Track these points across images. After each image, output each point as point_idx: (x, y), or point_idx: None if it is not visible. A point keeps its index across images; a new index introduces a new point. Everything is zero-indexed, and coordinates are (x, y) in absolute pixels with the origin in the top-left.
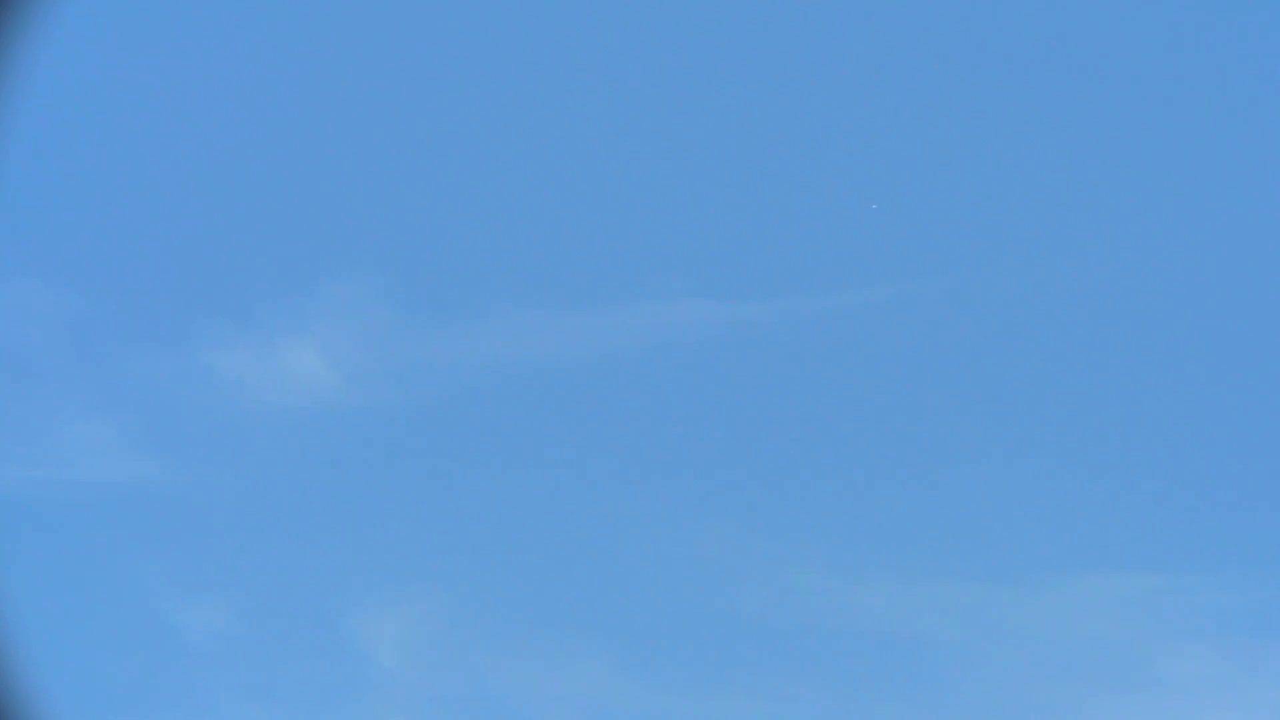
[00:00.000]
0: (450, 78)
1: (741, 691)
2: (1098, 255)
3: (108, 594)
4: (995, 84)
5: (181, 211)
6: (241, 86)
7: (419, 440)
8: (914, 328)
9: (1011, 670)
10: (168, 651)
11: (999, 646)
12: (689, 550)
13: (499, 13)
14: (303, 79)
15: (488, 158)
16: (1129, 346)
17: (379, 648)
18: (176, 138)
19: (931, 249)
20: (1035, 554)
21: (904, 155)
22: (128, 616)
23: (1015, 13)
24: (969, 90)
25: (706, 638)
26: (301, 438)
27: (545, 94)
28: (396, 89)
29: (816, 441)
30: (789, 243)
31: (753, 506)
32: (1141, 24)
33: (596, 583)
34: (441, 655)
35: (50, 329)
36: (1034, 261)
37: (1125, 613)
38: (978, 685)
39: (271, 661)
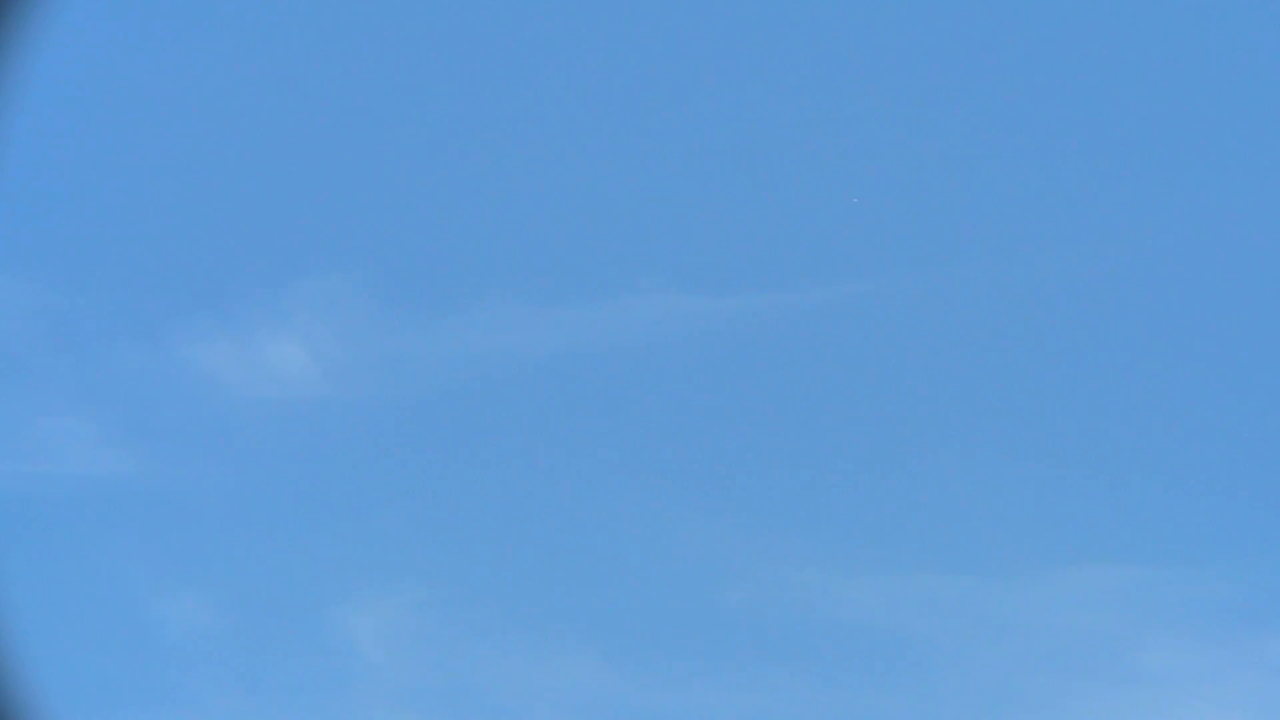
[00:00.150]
0: (430, 73)
1: (727, 685)
2: (1081, 249)
3: (87, 589)
4: (977, 75)
5: (160, 206)
6: (219, 82)
7: (400, 434)
8: (897, 322)
9: (996, 662)
10: (148, 646)
11: (984, 639)
12: (674, 544)
13: (475, 8)
14: (282, 74)
15: (467, 153)
16: (1113, 341)
17: (362, 642)
18: (154, 133)
19: (913, 243)
20: (1020, 547)
21: (884, 149)
22: (108, 611)
23: (996, 3)
24: (950, 83)
25: (691, 631)
26: (282, 432)
27: (524, 90)
28: (378, 84)
29: (800, 435)
30: (770, 237)
31: (737, 500)
32: (1132, 15)
33: (580, 577)
34: (425, 649)
35: (28, 324)
36: (1017, 256)
37: (1109, 605)
38: (963, 677)
39: (253, 656)
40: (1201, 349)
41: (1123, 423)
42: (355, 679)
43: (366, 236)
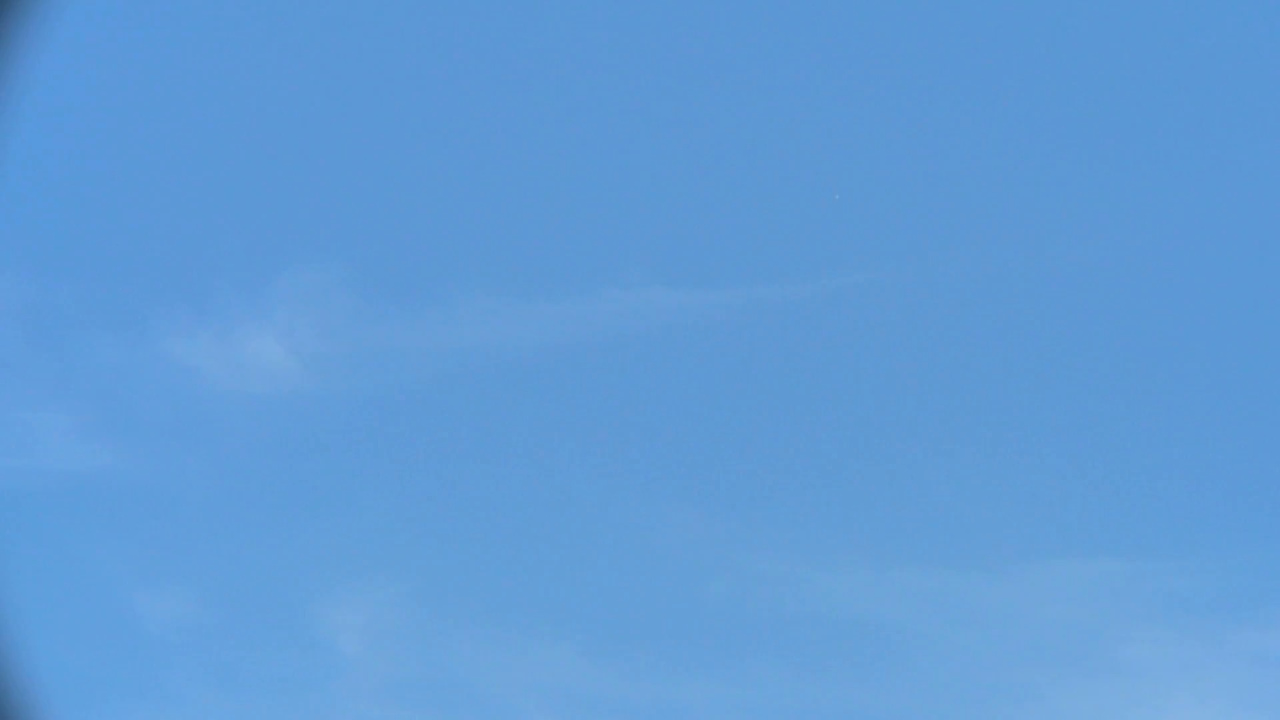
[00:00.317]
0: (410, 67)
1: (709, 677)
2: (1067, 243)
3: (67, 584)
4: (963, 65)
5: (140, 198)
6: (200, 75)
7: (381, 428)
8: (879, 316)
9: (976, 654)
10: (129, 641)
11: (964, 631)
12: (656, 537)
13: (454, 1)
14: (264, 68)
15: (448, 146)
16: (1092, 336)
17: (343, 636)
18: (134, 126)
19: (896, 237)
20: (1000, 540)
21: (870, 140)
22: (88, 606)
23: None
24: (936, 73)
25: (674, 624)
26: (262, 426)
27: (506, 83)
28: (359, 78)
29: (782, 429)
30: (753, 230)
31: (719, 493)
32: (1121, 3)
33: (562, 570)
34: (406, 643)
35: (6, 317)
36: (999, 250)
37: (1088, 597)
38: (943, 669)
39: (235, 650)
40: (1181, 344)
41: (1102, 417)
42: (337, 673)
43: (348, 230)
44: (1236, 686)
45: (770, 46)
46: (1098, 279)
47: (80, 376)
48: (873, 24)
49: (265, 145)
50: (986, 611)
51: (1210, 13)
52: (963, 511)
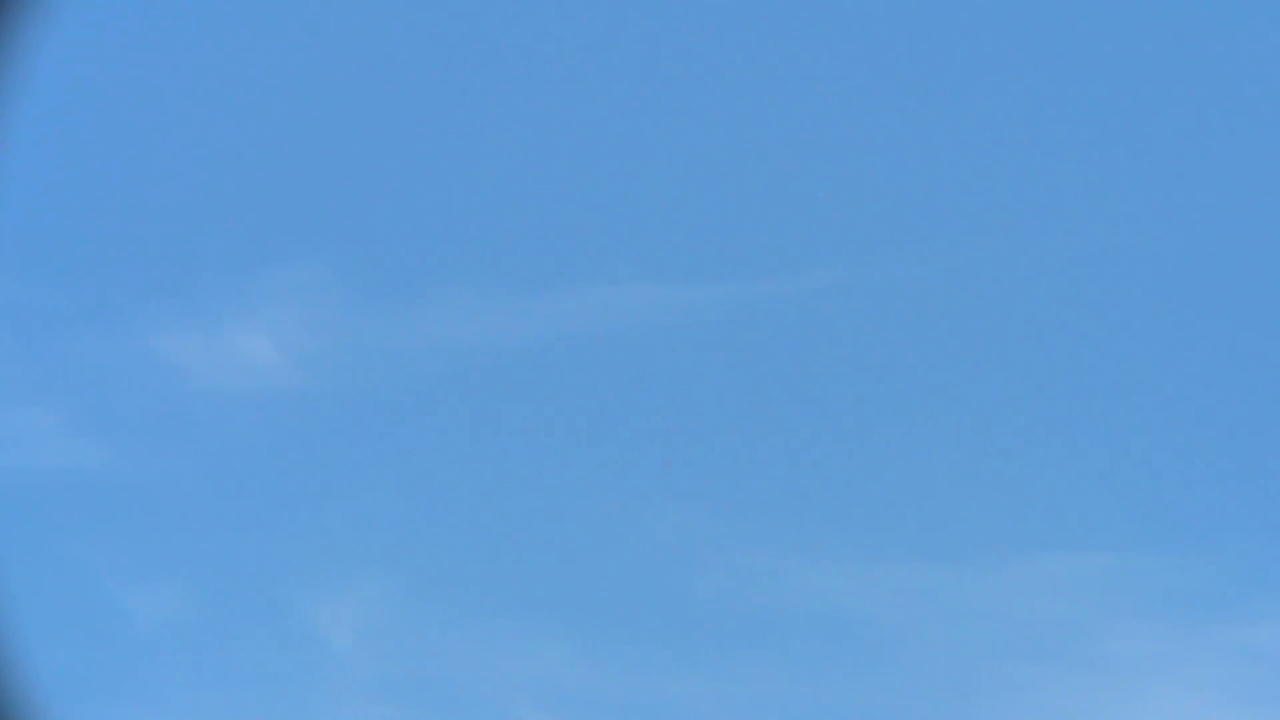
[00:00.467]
0: (398, 62)
1: (699, 673)
2: (1056, 236)
3: (54, 580)
4: (953, 62)
5: (126, 193)
6: (186, 70)
7: (369, 424)
8: (865, 310)
9: (964, 649)
10: (116, 638)
11: (952, 626)
12: (645, 533)
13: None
14: (251, 64)
15: (437, 141)
16: (1080, 330)
17: (333, 632)
18: (119, 121)
19: (887, 231)
20: (988, 535)
21: (859, 136)
22: (75, 603)
23: None
24: (925, 67)
25: (664, 620)
26: (249, 422)
27: (494, 78)
28: (344, 73)
29: (771, 425)
30: (743, 226)
31: (708, 490)
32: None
33: (552, 566)
34: (396, 639)
35: None
36: (989, 244)
37: (1076, 592)
38: (931, 664)
39: (223, 647)
40: (1169, 338)
41: (1090, 412)
42: (327, 669)
43: (335, 226)
44: (1224, 681)
45: (758, 41)
46: (1087, 273)
47: (66, 373)
48: (861, 19)
49: (251, 141)
50: (974, 606)
51: (1205, 6)
52: (951, 506)
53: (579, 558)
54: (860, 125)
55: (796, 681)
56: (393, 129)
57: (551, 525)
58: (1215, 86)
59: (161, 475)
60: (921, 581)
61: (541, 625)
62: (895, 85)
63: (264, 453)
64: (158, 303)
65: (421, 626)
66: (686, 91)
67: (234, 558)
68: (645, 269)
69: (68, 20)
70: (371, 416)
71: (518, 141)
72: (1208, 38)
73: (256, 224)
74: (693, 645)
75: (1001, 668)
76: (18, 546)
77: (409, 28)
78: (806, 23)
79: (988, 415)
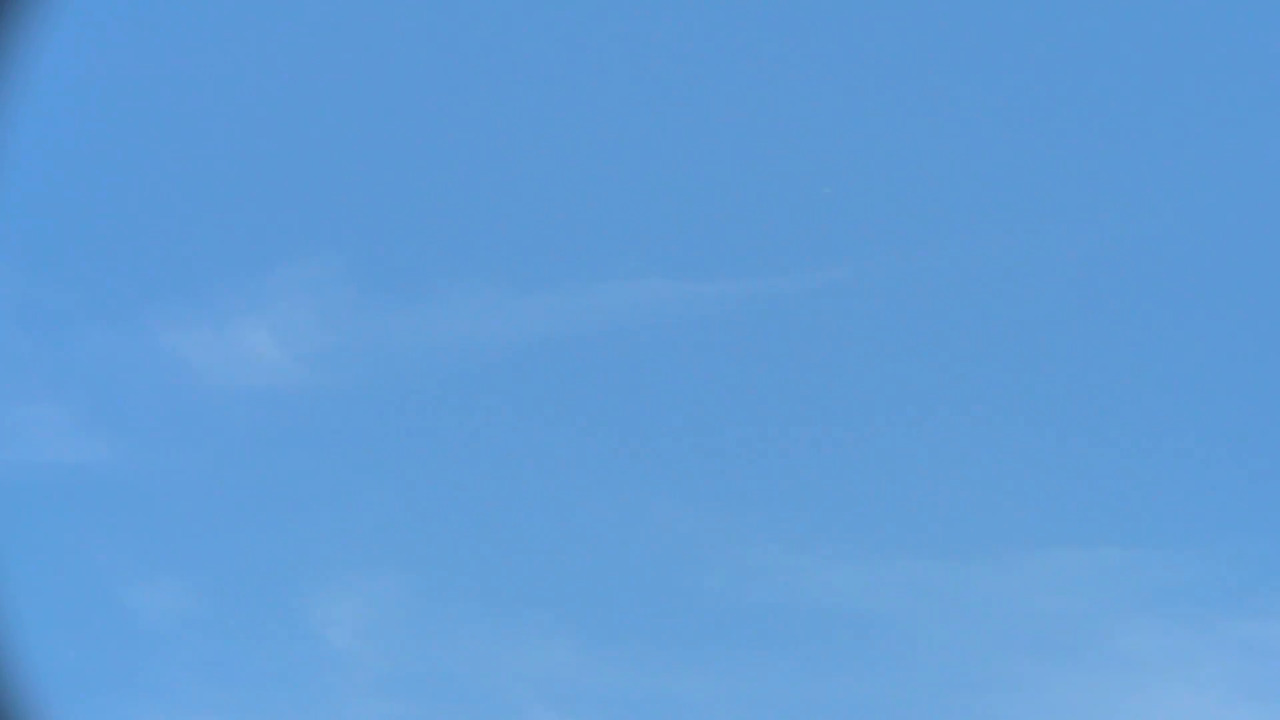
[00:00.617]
0: (407, 59)
1: (704, 669)
2: (1059, 233)
3: (61, 576)
4: (957, 61)
5: (136, 190)
6: (196, 68)
7: (377, 421)
8: (873, 307)
9: (970, 645)
10: (124, 634)
11: (958, 622)
12: (651, 530)
13: None
14: (260, 61)
15: (446, 138)
16: (1088, 325)
17: (338, 629)
18: (130, 118)
19: (892, 229)
20: (994, 530)
21: (867, 133)
22: (82, 599)
23: None
24: (929, 66)
25: (668, 615)
26: (257, 419)
27: (502, 75)
28: (355, 71)
29: (775, 420)
30: (749, 223)
31: (714, 486)
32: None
33: (558, 562)
34: (402, 636)
35: (0, 309)
36: (994, 240)
37: (1082, 587)
38: (937, 660)
39: (229, 643)
40: (1175, 334)
41: (1095, 407)
42: (331, 666)
43: (344, 223)
44: (1230, 676)
45: (766, 41)
46: (1090, 269)
47: (75, 370)
48: (866, 19)
49: (260, 139)
50: (980, 602)
51: (1205, 5)
52: (957, 502)
53: (585, 554)
54: (869, 122)
55: (802, 677)
56: (401, 127)
57: (558, 522)
58: (1216, 84)
59: (169, 472)
60: (927, 577)
61: (547, 622)
62: (903, 83)
63: (272, 449)
64: (167, 300)
65: (427, 623)
66: (695, 89)
67: (241, 554)
68: (653, 266)
69: (78, 18)
70: (379, 413)
71: (527, 138)
72: (1207, 36)
73: (265, 222)
74: (698, 641)
75: (1008, 663)
76: (26, 542)
77: (418, 25)
78: (815, 22)
79: (995, 411)
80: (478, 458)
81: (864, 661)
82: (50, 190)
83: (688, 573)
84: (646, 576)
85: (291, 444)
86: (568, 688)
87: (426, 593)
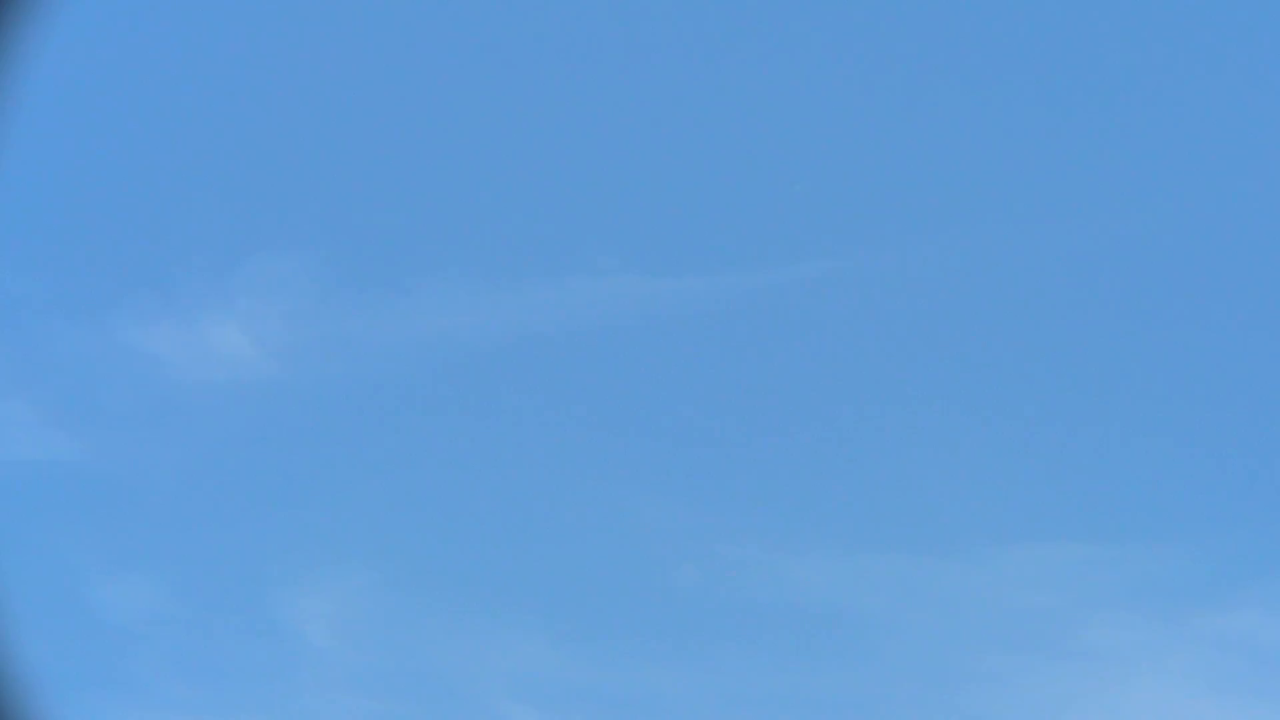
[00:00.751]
0: (381, 51)
1: (679, 665)
2: (1040, 228)
3: (30, 574)
4: (939, 53)
5: (102, 184)
6: (165, 60)
7: (349, 417)
8: (849, 303)
9: (943, 640)
10: (93, 631)
11: (931, 617)
12: (626, 525)
13: None
14: (232, 54)
15: (418, 131)
16: (1057, 318)
17: (311, 625)
18: (97, 111)
19: (869, 223)
20: (968, 525)
21: (844, 126)
22: (52, 596)
23: None
24: (911, 59)
25: (645, 611)
26: (227, 415)
27: (477, 68)
28: (327, 63)
29: (751, 416)
30: (724, 218)
31: (689, 481)
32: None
33: (533, 558)
34: (374, 633)
35: None
36: (973, 235)
37: (1054, 582)
38: (910, 655)
39: (201, 640)
40: (1151, 329)
41: (1070, 402)
42: (305, 663)
43: (314, 218)
44: (1201, 670)
45: (743, 33)
46: (1073, 266)
47: (42, 365)
48: (847, 11)
49: (229, 134)
50: (953, 597)
51: (1205, 5)
52: (932, 498)
53: (560, 550)
54: (847, 114)
55: (778, 672)
56: (373, 120)
57: (533, 518)
58: (1215, 81)
59: (139, 468)
60: (902, 573)
61: (522, 618)
62: (885, 74)
63: (242, 446)
64: (135, 295)
65: (401, 620)
66: (673, 82)
67: (212, 551)
68: (627, 261)
69: (47, 15)
70: (350, 409)
71: (501, 132)
72: (1207, 33)
73: (235, 216)
74: (675, 637)
75: (982, 658)
76: None
77: (390, 18)
78: (794, 11)
79: (969, 408)
80: (451, 453)
81: (840, 657)
82: (18, 185)
83: (664, 568)
84: (623, 572)
85: (262, 440)
86: (543, 684)
87: (400, 589)
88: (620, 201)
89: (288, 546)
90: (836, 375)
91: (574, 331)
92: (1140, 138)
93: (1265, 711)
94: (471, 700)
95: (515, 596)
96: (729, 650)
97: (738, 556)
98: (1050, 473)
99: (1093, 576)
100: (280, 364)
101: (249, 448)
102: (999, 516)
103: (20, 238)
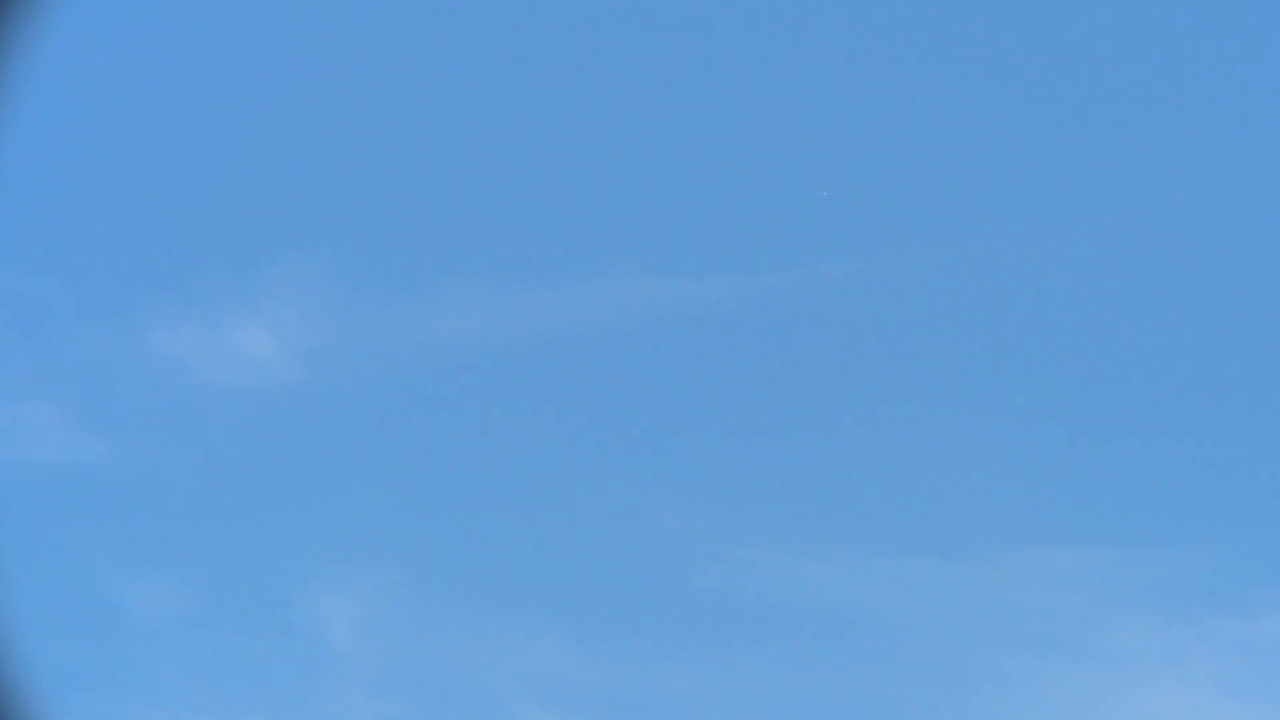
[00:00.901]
0: (399, 57)
1: (696, 666)
2: (1051, 230)
3: (54, 575)
4: (950, 56)
5: (127, 188)
6: (188, 66)
7: (369, 419)
8: (864, 305)
9: (961, 643)
10: (116, 632)
11: (949, 620)
12: (643, 526)
13: None
14: (249, 58)
15: (438, 136)
16: (1077, 323)
17: (331, 627)
18: (122, 116)
19: (882, 226)
20: (986, 528)
21: (857, 129)
22: (75, 597)
23: None
24: (923, 62)
25: (660, 613)
26: (249, 417)
27: (493, 73)
28: (345, 68)
29: (767, 418)
30: (739, 220)
31: (704, 483)
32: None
33: (551, 560)
34: (395, 634)
35: None
36: (984, 237)
37: (1072, 585)
38: (927, 658)
39: (222, 642)
40: (1166, 331)
41: (1087, 405)
42: (325, 664)
43: (336, 221)
44: (1219, 673)
45: (757, 36)
46: (1086, 268)
47: (66, 368)
48: (858, 14)
49: (252, 137)
50: (971, 599)
51: (1205, 4)
52: (949, 500)
53: (578, 552)
54: (862, 118)
55: (793, 675)
56: (394, 124)
57: (550, 520)
58: (1216, 81)
59: (162, 470)
60: (919, 575)
61: (540, 620)
62: (898, 78)
63: (263, 448)
64: (159, 298)
65: (420, 621)
66: (689, 85)
67: (233, 553)
68: (646, 263)
69: (70, 16)
70: (371, 411)
71: (519, 136)
72: (1207, 34)
73: (257, 219)
74: (689, 639)
75: (999, 661)
76: (17, 540)
77: (410, 23)
78: (808, 14)
79: (985, 410)
80: (470, 455)
81: (855, 659)
82: (42, 188)
83: (680, 570)
84: (639, 574)
85: (284, 442)
86: (560, 685)
87: (419, 590)
88: (636, 204)
89: (308, 548)
90: (853, 377)
91: (591, 333)
92: (1153, 141)
93: None
94: (489, 701)
95: (533, 598)
96: (744, 652)
97: (754, 559)
98: (1069, 476)
99: (1112, 580)
100: (301, 366)
101: (270, 449)
102: (1017, 519)
103: (44, 242)
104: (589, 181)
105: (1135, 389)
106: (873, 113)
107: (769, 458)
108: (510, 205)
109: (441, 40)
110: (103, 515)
